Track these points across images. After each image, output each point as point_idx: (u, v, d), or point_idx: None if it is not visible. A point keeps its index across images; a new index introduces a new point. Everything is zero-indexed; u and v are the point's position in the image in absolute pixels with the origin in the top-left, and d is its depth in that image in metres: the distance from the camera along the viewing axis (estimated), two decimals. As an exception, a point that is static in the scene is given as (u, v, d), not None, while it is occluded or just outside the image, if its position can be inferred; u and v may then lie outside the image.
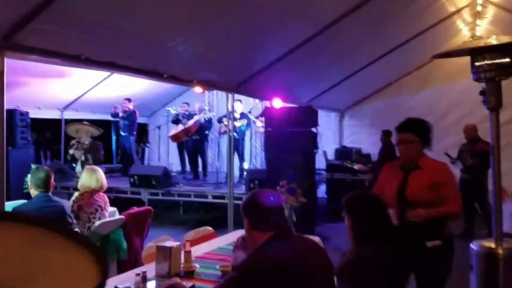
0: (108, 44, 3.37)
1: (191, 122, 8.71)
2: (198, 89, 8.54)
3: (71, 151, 6.71)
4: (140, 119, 11.74)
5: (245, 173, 8.12)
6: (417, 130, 3.10)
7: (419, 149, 3.07)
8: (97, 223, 4.22)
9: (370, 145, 9.67)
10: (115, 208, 4.98)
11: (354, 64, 7.29)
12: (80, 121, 7.86)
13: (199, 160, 9.13)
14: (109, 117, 9.58)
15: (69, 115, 9.83)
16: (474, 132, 6.73)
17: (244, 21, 4.03)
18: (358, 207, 2.76)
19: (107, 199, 4.55)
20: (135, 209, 4.75)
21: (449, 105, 9.85)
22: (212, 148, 10.27)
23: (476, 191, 6.57)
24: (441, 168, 3.11)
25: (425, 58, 9.60)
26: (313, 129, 6.34)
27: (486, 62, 3.19)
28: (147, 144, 12.34)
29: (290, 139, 6.13)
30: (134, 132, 9.46)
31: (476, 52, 3.27)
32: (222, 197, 7.25)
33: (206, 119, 8.85)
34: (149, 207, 4.84)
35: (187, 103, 9.43)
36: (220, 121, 8.72)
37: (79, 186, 4.48)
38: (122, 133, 9.40)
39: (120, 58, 3.51)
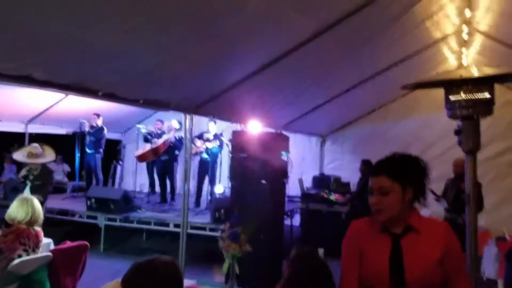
0: (21, 54, 2.84)
1: (159, 141, 8.18)
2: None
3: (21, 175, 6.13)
4: (114, 136, 11.23)
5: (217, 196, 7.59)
6: (397, 172, 2.13)
7: (402, 202, 2.07)
8: (16, 261, 3.63)
9: (352, 172, 9.12)
10: (50, 240, 4.38)
11: (334, 88, 6.83)
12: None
13: (168, 182, 8.55)
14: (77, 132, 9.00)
15: (34, 128, 9.25)
16: (462, 168, 6.25)
17: (205, 36, 3.54)
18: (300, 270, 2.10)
19: (41, 238, 3.93)
20: (67, 244, 4.17)
21: (435, 135, 9.39)
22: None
23: (458, 233, 6.06)
24: (445, 231, 2.10)
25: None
26: (284, 157, 5.82)
27: (462, 97, 2.71)
28: (120, 162, 11.77)
29: (258, 167, 5.59)
30: (101, 150, 8.90)
31: (452, 85, 2.79)
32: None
33: (177, 138, 8.31)
34: (83, 242, 4.24)
35: (161, 121, 8.91)
36: (192, 142, 8.18)
37: (6, 217, 3.90)
38: (87, 150, 8.83)
39: (37, 71, 2.98)
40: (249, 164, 5.65)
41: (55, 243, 4.25)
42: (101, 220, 6.99)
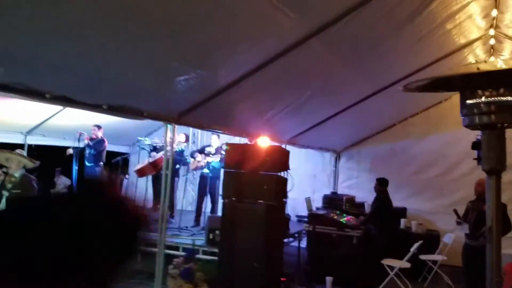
0: None
1: (158, 155, 7.68)
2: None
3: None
4: (121, 149, 10.81)
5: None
6: None
7: None
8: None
9: (368, 192, 8.35)
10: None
11: (343, 99, 6.19)
12: (13, 148, 6.87)
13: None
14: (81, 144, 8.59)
15: (34, 140, 8.93)
16: (483, 188, 5.46)
17: (184, 36, 3.04)
18: None
19: None
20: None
21: (461, 154, 8.56)
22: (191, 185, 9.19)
23: (480, 263, 5.25)
24: None
25: (435, 97, 8.44)
26: (283, 174, 5.20)
27: (482, 99, 2.05)
28: (126, 176, 11.34)
29: (253, 184, 5.00)
30: (101, 163, 8.46)
31: (468, 84, 2.13)
32: (176, 248, 6.09)
33: (178, 150, 7.79)
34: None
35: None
36: (192, 155, 7.67)
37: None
38: (87, 163, 8.41)
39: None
40: (243, 180, 5.06)
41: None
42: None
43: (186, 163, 7.92)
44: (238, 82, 4.04)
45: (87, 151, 8.36)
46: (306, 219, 7.36)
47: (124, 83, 3.44)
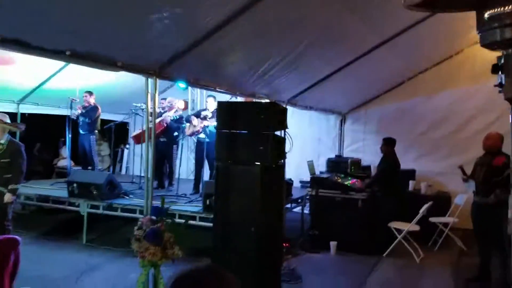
0: None
1: (156, 120, 7.30)
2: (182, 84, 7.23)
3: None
4: (118, 117, 10.41)
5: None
6: None
7: None
8: None
9: (375, 156, 7.95)
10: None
11: (345, 53, 5.69)
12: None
13: (167, 166, 7.71)
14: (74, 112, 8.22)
15: (27, 108, 8.61)
16: (495, 142, 5.03)
17: None
18: None
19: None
20: (-9, 239, 3.36)
21: (473, 110, 8.11)
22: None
23: (490, 221, 4.89)
24: None
25: (446, 50, 7.90)
26: (280, 133, 4.80)
27: (504, 9, 1.62)
28: (127, 146, 11.05)
29: (247, 145, 4.61)
30: (96, 131, 8.13)
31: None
32: (173, 215, 5.80)
33: (175, 117, 7.42)
34: (13, 237, 3.42)
35: (165, 99, 8.05)
36: (188, 120, 7.29)
37: None
38: (81, 131, 8.10)
39: None
40: (237, 142, 4.67)
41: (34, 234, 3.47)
42: (83, 208, 6.23)
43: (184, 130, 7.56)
44: (224, 26, 3.58)
45: (81, 119, 8.04)
46: (309, 184, 7.02)
47: (91, 24, 3.00)
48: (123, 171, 11.01)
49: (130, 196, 6.52)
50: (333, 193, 6.51)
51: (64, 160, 10.21)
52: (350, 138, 9.36)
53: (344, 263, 5.96)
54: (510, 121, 1.81)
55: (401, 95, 8.76)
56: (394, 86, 8.71)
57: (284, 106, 6.51)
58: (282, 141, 4.87)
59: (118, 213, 6.13)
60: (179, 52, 3.85)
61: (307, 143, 9.21)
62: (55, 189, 7.06)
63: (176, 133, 7.42)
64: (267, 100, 5.80)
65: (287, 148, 5.09)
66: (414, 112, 8.65)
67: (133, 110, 7.86)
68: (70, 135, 7.99)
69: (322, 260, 6.02)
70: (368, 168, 7.93)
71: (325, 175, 7.08)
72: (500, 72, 1.67)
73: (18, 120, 8.56)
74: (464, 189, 6.63)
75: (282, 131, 4.88)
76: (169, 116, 7.36)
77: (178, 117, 7.41)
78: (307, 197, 6.83)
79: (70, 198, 6.34)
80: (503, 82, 1.66)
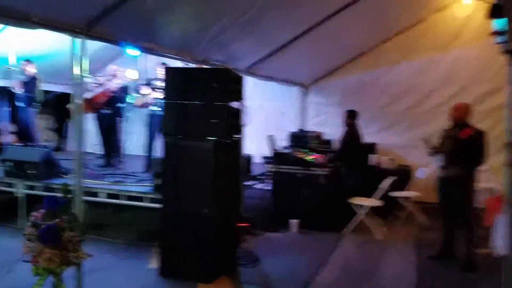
0: None
1: (98, 90, 6.65)
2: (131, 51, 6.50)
3: None
4: (61, 88, 9.52)
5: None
6: None
7: None
8: None
9: (338, 129, 7.63)
10: None
11: (306, 17, 5.22)
12: None
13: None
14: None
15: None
16: (462, 113, 4.77)
17: None
18: None
19: None
20: None
21: (437, 81, 7.92)
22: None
23: (458, 195, 4.70)
24: None
25: (409, 18, 7.60)
26: (234, 104, 4.33)
27: None
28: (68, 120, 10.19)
29: (199, 117, 4.13)
30: (35, 104, 7.34)
31: None
32: (116, 196, 5.27)
33: (120, 87, 6.77)
34: None
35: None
36: (136, 90, 6.67)
37: None
38: (19, 104, 7.29)
39: None
40: (187, 113, 4.17)
41: None
42: (19, 189, 5.57)
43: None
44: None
45: (18, 91, 7.20)
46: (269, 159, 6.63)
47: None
48: (69, 147, 10.21)
49: (69, 175, 5.89)
50: (295, 169, 6.16)
51: (11, 136, 9.29)
52: (313, 111, 9.02)
53: (305, 242, 5.66)
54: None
55: (364, 66, 8.45)
56: (356, 56, 8.39)
57: (242, 75, 6.03)
58: (238, 113, 4.41)
59: (57, 194, 5.50)
60: (109, 5, 3.23)
61: (270, 117, 8.82)
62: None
63: (120, 104, 6.77)
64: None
65: (245, 122, 4.64)
66: (376, 84, 8.39)
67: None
68: (8, 108, 7.18)
69: (282, 239, 5.70)
70: (329, 142, 7.63)
71: (285, 150, 6.71)
72: (499, 16, 1.26)
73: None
74: (425, 162, 6.48)
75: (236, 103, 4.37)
76: (113, 84, 6.70)
77: (123, 86, 6.76)
78: (268, 173, 6.44)
79: (5, 178, 5.65)
80: (504, 29, 1.26)
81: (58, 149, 9.48)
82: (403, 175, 7.04)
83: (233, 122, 4.30)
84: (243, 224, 5.49)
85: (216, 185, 4.09)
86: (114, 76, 6.83)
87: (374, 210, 6.05)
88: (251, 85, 8.55)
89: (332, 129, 8.25)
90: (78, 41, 3.45)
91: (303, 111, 9.04)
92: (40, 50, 7.34)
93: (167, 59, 5.43)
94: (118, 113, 6.83)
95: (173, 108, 4.23)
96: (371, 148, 7.66)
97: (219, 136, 4.11)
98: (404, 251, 5.49)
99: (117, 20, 3.42)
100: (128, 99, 6.82)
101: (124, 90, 6.83)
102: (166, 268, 4.23)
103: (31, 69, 7.24)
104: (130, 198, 5.20)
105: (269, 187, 6.65)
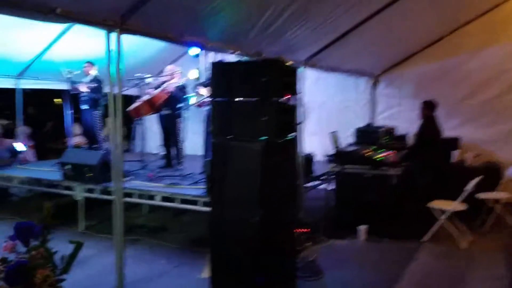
0: None
1: (156, 91, 6.52)
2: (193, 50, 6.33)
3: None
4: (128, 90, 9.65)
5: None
6: None
7: None
8: None
9: (413, 124, 6.88)
10: None
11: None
12: None
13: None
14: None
15: (27, 84, 8.00)
16: None
17: None
18: None
19: None
20: None
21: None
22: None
23: None
24: None
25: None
26: (288, 99, 3.87)
27: None
28: (139, 122, 10.29)
29: (247, 116, 3.73)
30: (99, 107, 7.41)
31: None
32: (171, 199, 5.06)
33: (178, 86, 6.59)
34: None
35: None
36: (194, 90, 6.45)
37: None
38: (82, 106, 7.41)
39: None
40: (235, 112, 3.80)
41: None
42: (78, 192, 5.58)
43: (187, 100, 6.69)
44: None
45: (83, 93, 7.32)
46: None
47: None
48: (137, 148, 10.35)
49: (131, 177, 5.80)
50: (361, 169, 5.56)
51: (78, 138, 9.62)
52: (383, 104, 8.29)
53: (375, 252, 5.06)
54: None
55: (442, 52, 7.57)
56: (433, 42, 7.52)
57: (300, 67, 5.55)
58: (291, 109, 3.95)
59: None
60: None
61: (334, 112, 8.29)
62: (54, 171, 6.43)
63: (180, 104, 6.58)
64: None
65: (300, 119, 4.16)
66: (457, 72, 7.49)
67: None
68: (71, 111, 7.34)
69: (349, 248, 5.14)
70: (403, 137, 6.88)
71: (351, 148, 6.11)
72: None
73: (18, 97, 7.99)
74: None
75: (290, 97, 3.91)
76: (172, 85, 6.53)
77: (182, 85, 6.56)
78: (331, 174, 5.89)
79: (64, 181, 5.70)
80: None
81: (126, 150, 9.64)
82: (492, 174, 6.15)
83: (286, 120, 3.84)
84: (303, 230, 5.03)
85: (265, 190, 3.65)
86: (172, 76, 6.67)
87: (457, 215, 5.28)
88: (313, 80, 8.09)
89: (405, 123, 7.50)
90: (113, 36, 3.21)
91: (372, 105, 8.34)
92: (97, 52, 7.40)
93: (226, 55, 5.14)
94: (177, 113, 6.66)
95: (220, 106, 3.87)
96: (453, 143, 6.82)
97: (269, 136, 3.67)
98: (493, 264, 4.70)
99: (155, 11, 3.13)
100: (186, 99, 6.62)
101: (182, 90, 6.64)
102: (216, 280, 3.89)
103: (94, 71, 7.33)
104: (184, 201, 4.96)
105: (333, 188, 6.11)
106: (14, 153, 7.21)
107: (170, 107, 6.63)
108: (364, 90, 8.31)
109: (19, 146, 7.27)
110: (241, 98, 3.78)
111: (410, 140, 6.67)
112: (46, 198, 6.59)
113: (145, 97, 6.52)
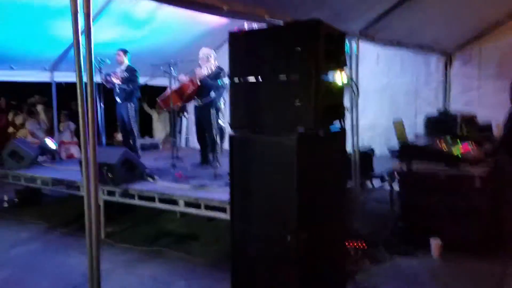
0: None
1: (185, 78, 5.72)
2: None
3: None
4: (161, 82, 8.93)
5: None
6: None
7: None
8: None
9: (497, 109, 5.52)
10: None
11: None
12: None
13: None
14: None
15: (60, 77, 7.54)
16: None
17: None
18: None
19: None
20: None
21: None
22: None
23: None
24: None
25: None
26: (333, 76, 2.89)
27: None
28: (185, 114, 9.64)
29: (276, 100, 2.80)
30: (134, 98, 6.76)
31: None
32: (198, 205, 4.21)
33: (212, 72, 5.73)
34: None
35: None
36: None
37: None
38: (117, 99, 6.79)
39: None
40: (260, 96, 2.86)
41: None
42: (99, 194, 4.91)
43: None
44: None
45: (116, 85, 6.68)
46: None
47: None
48: (183, 143, 9.71)
49: (155, 178, 5.04)
50: (434, 167, 4.39)
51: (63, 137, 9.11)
52: (458, 87, 6.93)
53: (453, 274, 3.91)
54: None
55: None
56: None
57: (354, 41, 4.48)
58: (338, 90, 2.95)
59: (136, 201, 4.70)
60: None
61: (399, 97, 7.13)
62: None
63: (212, 94, 5.71)
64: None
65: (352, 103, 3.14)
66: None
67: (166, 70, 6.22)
68: (102, 105, 6.74)
69: (418, 268, 4.01)
70: (487, 127, 5.56)
71: (421, 140, 4.92)
72: None
73: (54, 91, 7.58)
74: None
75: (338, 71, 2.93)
76: (204, 70, 5.68)
77: (216, 69, 5.69)
78: (395, 173, 4.76)
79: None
80: None
81: (169, 145, 9.02)
82: None
83: (330, 104, 2.84)
84: (357, 245, 4.00)
85: (304, 197, 2.70)
86: (207, 60, 5.82)
87: None
88: (372, 58, 6.95)
89: (485, 110, 6.15)
90: None
91: (445, 88, 7.03)
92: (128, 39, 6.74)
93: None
94: (210, 102, 5.80)
95: (241, 89, 2.95)
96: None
97: (308, 126, 2.70)
98: None
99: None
100: (222, 86, 5.75)
101: (217, 76, 5.77)
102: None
103: (126, 60, 6.67)
104: (209, 207, 4.09)
105: (398, 191, 4.98)
106: (45, 150, 6.77)
107: (202, 96, 5.80)
108: (435, 70, 7.01)
109: (50, 144, 6.82)
110: (269, 77, 2.85)
111: (498, 131, 5.35)
112: (75, 200, 6.07)
113: (175, 86, 5.74)
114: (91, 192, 2.69)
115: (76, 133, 9.25)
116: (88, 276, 2.82)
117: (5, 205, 6.45)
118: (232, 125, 2.99)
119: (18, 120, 9.55)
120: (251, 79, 2.88)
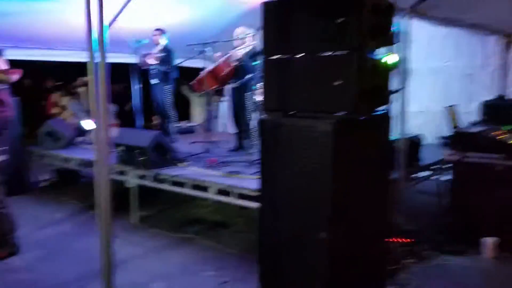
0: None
1: (221, 59, 5.47)
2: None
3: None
4: (197, 63, 8.70)
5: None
6: None
7: None
8: None
9: None
10: None
11: None
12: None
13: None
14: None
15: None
16: None
17: None
18: None
19: None
20: None
21: None
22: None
23: None
24: None
25: None
26: (378, 53, 2.56)
27: None
28: (222, 98, 9.46)
29: (313, 79, 2.50)
30: (171, 80, 6.62)
31: None
32: (228, 193, 3.99)
33: (248, 53, 5.45)
34: None
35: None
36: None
37: None
38: (152, 81, 6.68)
39: None
40: (295, 75, 2.57)
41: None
42: (131, 178, 4.80)
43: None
44: None
45: (152, 66, 6.56)
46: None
47: None
48: (220, 129, 9.53)
49: (187, 163, 4.87)
50: (491, 158, 3.94)
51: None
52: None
53: (510, 275, 3.52)
54: None
55: None
56: None
57: (404, 20, 4.06)
58: (383, 70, 2.61)
59: (167, 186, 4.54)
60: None
61: (452, 81, 6.62)
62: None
63: (250, 75, 5.42)
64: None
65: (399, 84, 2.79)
66: None
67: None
68: (140, 85, 6.65)
69: (469, 269, 3.63)
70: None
71: (476, 128, 4.45)
72: None
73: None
74: None
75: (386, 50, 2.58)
76: (240, 52, 5.41)
77: (253, 51, 5.40)
78: (447, 163, 4.33)
79: (117, 166, 4.96)
80: None
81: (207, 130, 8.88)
82: None
83: (374, 86, 2.51)
84: (400, 241, 3.67)
85: (340, 189, 2.41)
86: (243, 41, 5.54)
87: None
88: (424, 38, 6.41)
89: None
90: None
91: (504, 72, 6.42)
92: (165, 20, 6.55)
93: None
94: (246, 85, 5.54)
95: (274, 66, 2.67)
96: None
97: (348, 110, 2.39)
98: None
99: None
100: (257, 68, 5.46)
101: (254, 56, 5.48)
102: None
103: (163, 41, 6.50)
104: (242, 196, 3.86)
105: (448, 181, 4.54)
106: (82, 132, 6.77)
107: (238, 78, 5.54)
108: (493, 52, 6.41)
109: (87, 125, 6.80)
110: (305, 53, 2.54)
111: None
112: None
113: (209, 67, 5.51)
114: (103, 174, 2.54)
115: (117, 115, 9.29)
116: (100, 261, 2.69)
117: (46, 184, 6.57)
118: (264, 108, 2.72)
119: (64, 101, 9.70)
120: (285, 56, 2.60)
